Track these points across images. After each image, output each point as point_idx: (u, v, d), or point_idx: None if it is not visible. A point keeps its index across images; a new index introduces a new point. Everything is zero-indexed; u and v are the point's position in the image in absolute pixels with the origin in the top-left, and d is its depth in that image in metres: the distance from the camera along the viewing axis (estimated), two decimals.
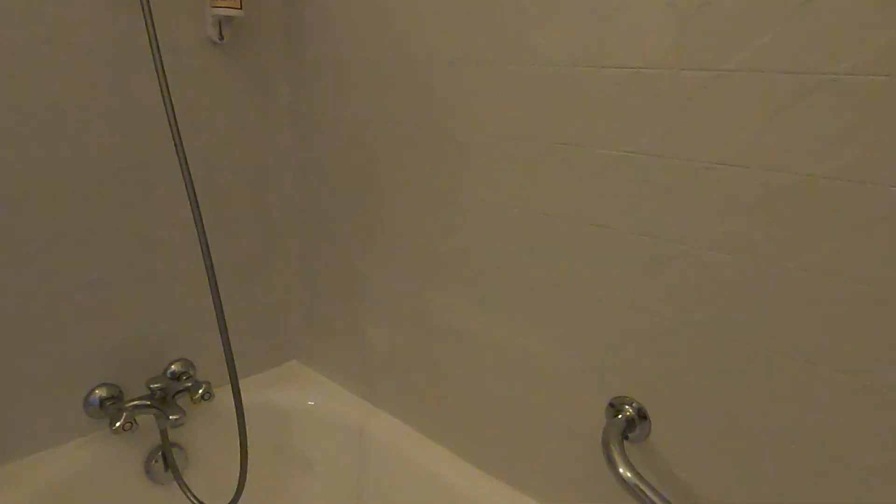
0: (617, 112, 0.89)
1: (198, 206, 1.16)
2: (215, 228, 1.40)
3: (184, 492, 1.32)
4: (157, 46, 1.07)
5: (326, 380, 1.60)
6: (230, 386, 1.19)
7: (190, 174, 1.15)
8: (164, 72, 1.08)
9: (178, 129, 1.12)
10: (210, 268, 1.19)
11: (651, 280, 0.91)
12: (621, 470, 0.85)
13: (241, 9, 1.19)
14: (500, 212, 1.09)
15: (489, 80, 1.04)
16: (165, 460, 1.33)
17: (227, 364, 1.17)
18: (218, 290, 1.20)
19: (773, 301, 0.80)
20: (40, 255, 1.13)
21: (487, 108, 1.06)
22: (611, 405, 0.99)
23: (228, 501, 1.27)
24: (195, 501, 1.31)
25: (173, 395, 1.29)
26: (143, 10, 1.06)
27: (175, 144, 1.12)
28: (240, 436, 1.21)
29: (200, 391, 1.31)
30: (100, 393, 1.26)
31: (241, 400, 1.20)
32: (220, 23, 1.24)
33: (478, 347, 1.20)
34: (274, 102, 1.42)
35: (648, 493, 0.82)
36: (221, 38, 1.25)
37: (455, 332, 1.23)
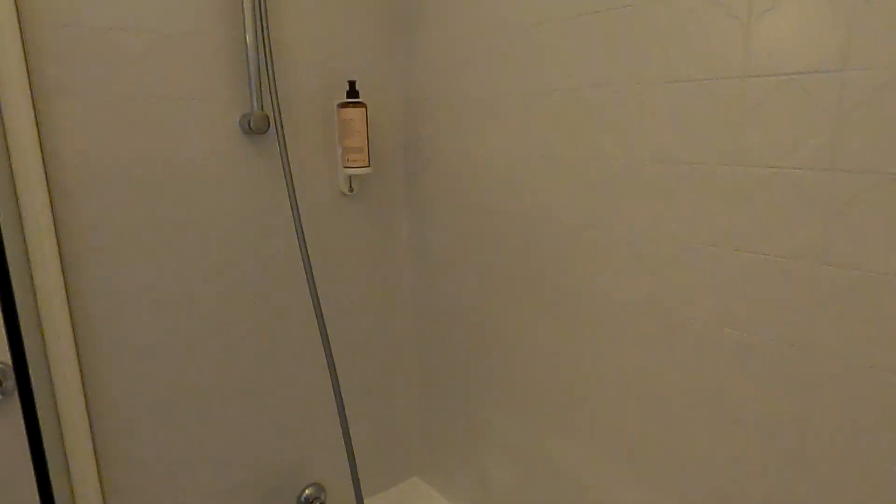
0: (755, 296, 0.86)
1: (327, 338, 1.27)
2: (342, 359, 1.51)
3: None
4: (297, 205, 1.24)
5: (448, 503, 1.60)
6: None
7: (322, 312, 1.27)
8: (301, 225, 1.24)
9: (311, 272, 1.25)
10: (339, 397, 1.29)
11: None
12: None
13: (369, 166, 1.34)
14: (624, 375, 1.07)
15: (614, 249, 1.05)
16: None
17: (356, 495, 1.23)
18: (346, 417, 1.29)
19: None
20: (187, 397, 1.29)
21: (611, 274, 1.06)
22: None
23: None
24: None
25: None
26: (285, 177, 1.23)
27: (309, 287, 1.26)
28: None
29: None
30: None
31: None
32: (350, 178, 1.40)
33: None
34: (395, 241, 1.55)
35: None
36: (351, 189, 1.41)
37: (581, 485, 1.19)
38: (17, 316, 0.97)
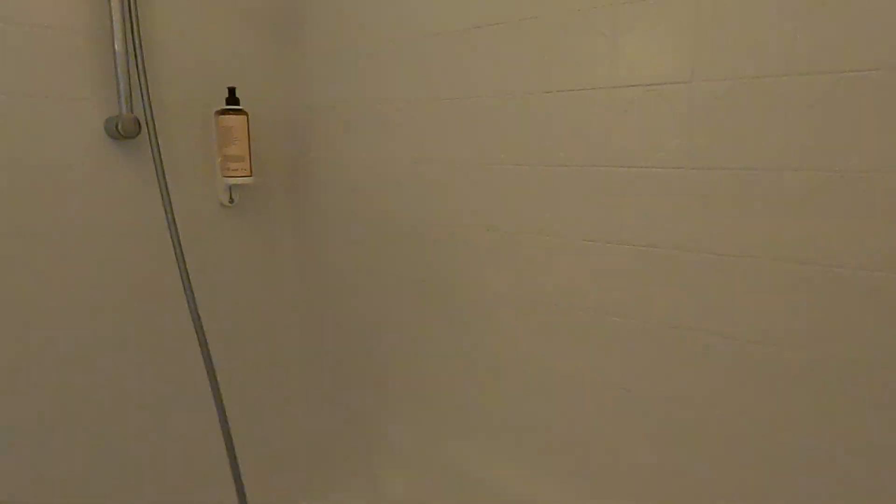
0: (633, 287, 0.94)
1: (210, 359, 1.19)
2: (227, 381, 1.42)
3: None
4: (173, 215, 1.15)
5: None
6: None
7: (203, 330, 1.19)
8: (178, 238, 1.16)
9: (191, 288, 1.17)
10: (224, 423, 1.20)
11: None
12: None
13: (251, 176, 1.29)
14: (516, 368, 1.11)
15: (499, 249, 1.09)
16: None
17: None
18: (232, 442, 1.21)
19: None
20: (67, 426, 1.15)
21: (498, 272, 1.10)
22: None
23: None
24: None
25: None
26: (159, 186, 1.15)
27: (188, 302, 1.17)
28: None
29: None
30: None
31: None
32: (230, 188, 1.34)
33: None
34: (280, 253, 1.49)
35: None
36: (231, 200, 1.34)
37: (484, 485, 1.21)
38: None
